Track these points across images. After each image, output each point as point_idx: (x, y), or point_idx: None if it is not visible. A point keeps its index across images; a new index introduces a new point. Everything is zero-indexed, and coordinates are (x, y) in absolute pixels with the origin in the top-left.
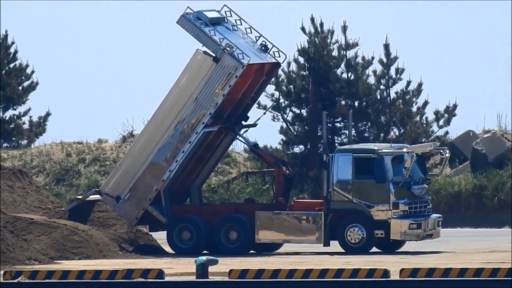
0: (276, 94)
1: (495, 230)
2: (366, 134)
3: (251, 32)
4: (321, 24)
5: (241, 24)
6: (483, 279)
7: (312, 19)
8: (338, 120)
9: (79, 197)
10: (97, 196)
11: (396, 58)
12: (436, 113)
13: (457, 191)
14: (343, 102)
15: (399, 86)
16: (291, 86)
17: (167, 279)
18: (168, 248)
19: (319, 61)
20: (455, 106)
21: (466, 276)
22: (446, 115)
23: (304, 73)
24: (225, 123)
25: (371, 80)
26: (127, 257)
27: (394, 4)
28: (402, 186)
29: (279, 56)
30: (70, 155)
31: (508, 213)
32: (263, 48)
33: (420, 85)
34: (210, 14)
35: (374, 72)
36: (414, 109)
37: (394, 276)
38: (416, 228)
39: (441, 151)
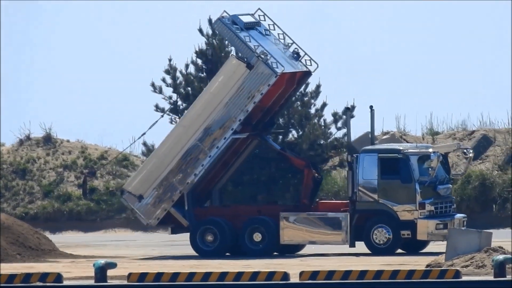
0: (174, 96)
1: None
2: None
3: (284, 38)
4: None
5: (274, 29)
6: (382, 281)
7: (210, 21)
8: None
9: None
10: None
11: None
12: (334, 114)
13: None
14: None
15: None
16: (189, 88)
17: (65, 283)
18: (82, 251)
19: (217, 63)
20: (353, 107)
21: (366, 278)
22: (344, 116)
23: (202, 75)
24: (253, 130)
25: None
26: (25, 261)
27: (288, 2)
28: (428, 186)
29: (311, 65)
30: None
31: None
32: (295, 55)
33: (318, 86)
34: (245, 19)
35: None
36: (313, 111)
37: (294, 279)
38: (443, 228)
39: (465, 150)
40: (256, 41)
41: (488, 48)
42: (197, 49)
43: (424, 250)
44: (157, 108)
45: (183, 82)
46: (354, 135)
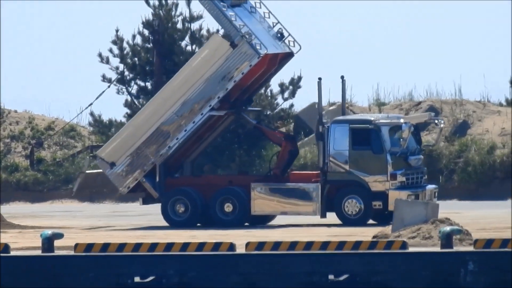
0: (121, 67)
1: None
2: None
3: (269, 17)
4: None
5: (260, 7)
6: (328, 252)
7: None
8: None
9: (82, 172)
10: (100, 170)
11: None
12: (281, 85)
13: (302, 163)
14: None
15: None
16: (136, 59)
17: (12, 253)
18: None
19: (164, 33)
20: (299, 78)
21: (313, 249)
22: (291, 87)
23: (149, 45)
24: (231, 107)
25: None
26: None
27: None
28: (399, 157)
29: (294, 46)
30: None
31: None
32: (279, 35)
33: None
34: None
35: None
36: None
37: (240, 249)
38: (414, 199)
39: (436, 121)
40: (242, 20)
41: (435, 19)
42: (144, 20)
43: None
44: (104, 78)
45: (130, 53)
46: (300, 106)
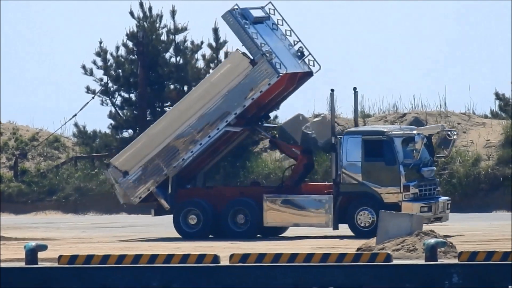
0: (105, 78)
1: None
2: None
3: (290, 35)
4: (150, 9)
5: (282, 25)
6: (312, 264)
7: (141, 4)
8: (167, 104)
9: (113, 184)
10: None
11: (225, 42)
12: None
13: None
14: (172, 87)
15: None
16: (120, 71)
17: None
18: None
19: (148, 45)
20: None
21: (297, 261)
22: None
23: (133, 57)
24: (247, 124)
25: (200, 64)
26: None
27: None
28: (412, 168)
29: (313, 65)
30: None
31: None
32: (299, 54)
33: None
34: (255, 13)
35: (204, 56)
36: None
37: (224, 261)
38: (427, 211)
39: (449, 132)
40: (263, 39)
41: (419, 31)
42: (128, 32)
43: None
44: (88, 90)
45: (114, 64)
46: (285, 117)
